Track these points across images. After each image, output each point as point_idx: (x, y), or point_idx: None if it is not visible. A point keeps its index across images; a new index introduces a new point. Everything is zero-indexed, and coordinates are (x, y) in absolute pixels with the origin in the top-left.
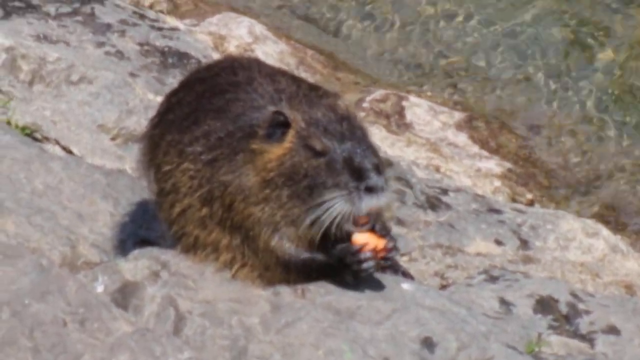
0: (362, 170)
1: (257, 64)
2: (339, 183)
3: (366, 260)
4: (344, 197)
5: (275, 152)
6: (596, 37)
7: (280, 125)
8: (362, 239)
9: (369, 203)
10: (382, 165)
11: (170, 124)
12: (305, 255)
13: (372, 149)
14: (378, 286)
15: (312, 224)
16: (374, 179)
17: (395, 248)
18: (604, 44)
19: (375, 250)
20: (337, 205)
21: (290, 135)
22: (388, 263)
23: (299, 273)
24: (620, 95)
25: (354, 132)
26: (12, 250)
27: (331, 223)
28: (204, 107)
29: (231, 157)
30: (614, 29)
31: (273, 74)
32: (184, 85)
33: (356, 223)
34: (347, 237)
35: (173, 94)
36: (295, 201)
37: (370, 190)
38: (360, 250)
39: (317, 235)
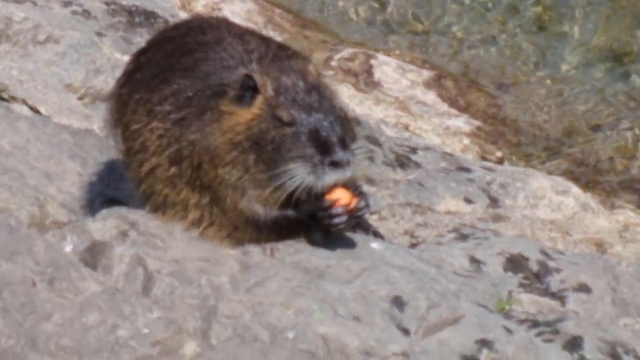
0: (327, 144)
1: (226, 23)
2: (304, 155)
3: (337, 215)
4: (307, 169)
5: (244, 115)
6: None
7: (249, 89)
8: (335, 194)
9: (332, 177)
10: (349, 137)
11: (139, 83)
12: (275, 213)
13: (340, 121)
14: (347, 245)
15: (277, 189)
16: (339, 154)
17: (366, 206)
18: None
19: (347, 207)
20: (299, 176)
21: (259, 101)
22: (356, 220)
23: (270, 231)
24: (591, 52)
25: (322, 103)
26: None
27: (295, 191)
28: (173, 66)
29: (199, 117)
30: None
31: (242, 33)
32: (153, 45)
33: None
34: (318, 196)
35: (141, 53)
36: (261, 166)
37: (334, 164)
38: (332, 205)
39: (282, 198)
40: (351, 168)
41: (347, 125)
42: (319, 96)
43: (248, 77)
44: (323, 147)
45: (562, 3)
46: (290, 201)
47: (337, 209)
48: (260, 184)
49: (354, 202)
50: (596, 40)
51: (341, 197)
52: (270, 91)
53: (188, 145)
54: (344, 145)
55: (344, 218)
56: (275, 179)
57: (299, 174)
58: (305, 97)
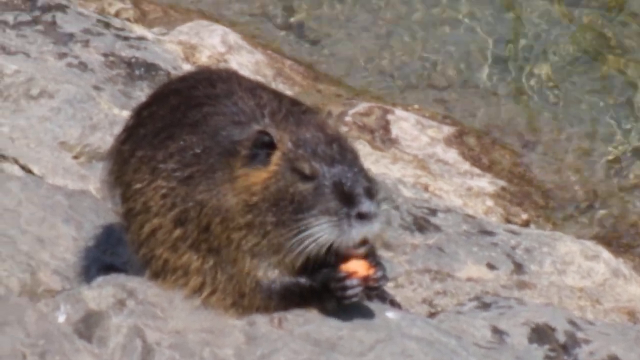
0: (353, 195)
1: (236, 76)
2: (328, 209)
3: (352, 287)
4: (332, 224)
5: (260, 175)
6: (597, 47)
7: (265, 146)
8: (352, 266)
9: (360, 231)
10: (374, 189)
11: (142, 139)
12: (288, 279)
13: (364, 173)
14: (361, 315)
15: (296, 250)
16: (366, 205)
17: (384, 277)
18: (605, 55)
19: (363, 279)
20: (324, 232)
21: (276, 157)
22: (374, 293)
23: (281, 299)
24: (622, 110)
25: (344, 154)
26: None
27: (316, 250)
28: (179, 122)
29: (208, 175)
30: (616, 39)
31: (253, 87)
32: (156, 98)
33: (348, 250)
34: (336, 261)
35: (144, 107)
36: (281, 229)
37: (362, 217)
38: (347, 277)
39: (300, 262)
40: (379, 221)
41: (372, 177)
42: (340, 147)
43: (263, 133)
44: (348, 199)
45: (595, 53)
46: (307, 266)
47: (352, 281)
48: (278, 249)
49: (371, 273)
50: (630, 97)
51: (357, 268)
52: (288, 145)
53: (195, 205)
54: (371, 195)
55: (357, 290)
56: (295, 238)
57: (322, 230)
58: (326, 149)
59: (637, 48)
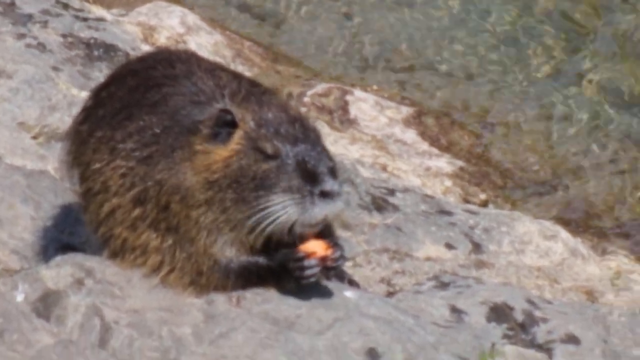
0: (316, 173)
1: (196, 57)
2: (291, 187)
3: (310, 267)
4: (295, 201)
5: (221, 153)
6: (554, 28)
7: (226, 125)
8: (310, 247)
9: (323, 209)
10: (337, 169)
11: (100, 120)
12: (245, 258)
13: (327, 152)
14: (319, 294)
15: (257, 228)
16: (329, 183)
17: (342, 257)
18: (563, 35)
19: (321, 259)
20: (286, 210)
21: (238, 136)
22: (332, 273)
23: (238, 278)
24: (580, 91)
25: (307, 134)
26: None
27: (278, 228)
28: (138, 102)
29: (168, 154)
30: (573, 18)
31: (213, 68)
32: (115, 79)
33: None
34: (295, 242)
35: (102, 87)
36: (241, 206)
37: (325, 195)
38: (305, 257)
39: (260, 240)
40: (342, 200)
41: (334, 157)
42: (303, 127)
43: (225, 112)
44: (312, 177)
45: (553, 35)
46: (267, 246)
47: (311, 261)
48: (237, 226)
49: (329, 253)
50: (587, 79)
51: (316, 249)
52: (250, 124)
53: (154, 184)
54: (334, 174)
55: (315, 270)
56: (256, 215)
57: (285, 208)
58: (288, 128)
59: (592, 29)
